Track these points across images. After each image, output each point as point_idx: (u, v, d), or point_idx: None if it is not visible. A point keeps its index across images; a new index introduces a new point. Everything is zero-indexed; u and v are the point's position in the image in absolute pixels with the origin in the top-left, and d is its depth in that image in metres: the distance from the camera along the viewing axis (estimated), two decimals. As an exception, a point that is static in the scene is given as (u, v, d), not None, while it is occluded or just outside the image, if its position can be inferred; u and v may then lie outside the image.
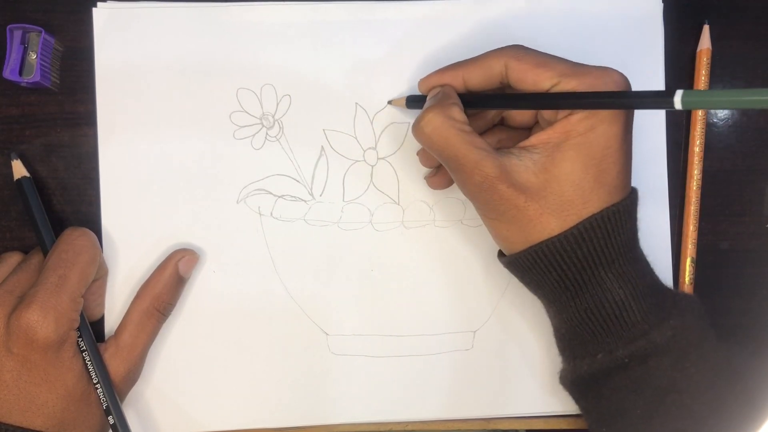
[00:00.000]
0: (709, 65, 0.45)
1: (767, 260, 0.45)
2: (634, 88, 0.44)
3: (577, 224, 0.35)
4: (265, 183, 0.43)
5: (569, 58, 0.45)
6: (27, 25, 0.42)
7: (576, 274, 0.36)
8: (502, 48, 0.37)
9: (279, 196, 0.43)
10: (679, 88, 0.31)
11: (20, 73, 0.42)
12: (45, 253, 0.40)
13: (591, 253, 0.35)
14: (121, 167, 0.43)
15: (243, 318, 0.43)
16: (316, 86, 0.44)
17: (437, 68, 0.39)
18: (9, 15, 0.43)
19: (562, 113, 0.35)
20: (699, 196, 0.45)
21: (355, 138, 0.44)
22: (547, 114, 0.37)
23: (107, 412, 0.39)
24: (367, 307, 0.44)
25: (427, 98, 0.39)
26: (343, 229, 0.44)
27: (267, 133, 0.44)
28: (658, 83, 0.45)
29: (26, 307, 0.36)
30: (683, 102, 0.30)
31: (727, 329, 0.45)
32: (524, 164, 0.35)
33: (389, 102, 0.43)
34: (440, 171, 0.42)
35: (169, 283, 0.41)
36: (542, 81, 0.35)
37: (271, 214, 0.43)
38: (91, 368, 0.39)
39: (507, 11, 0.44)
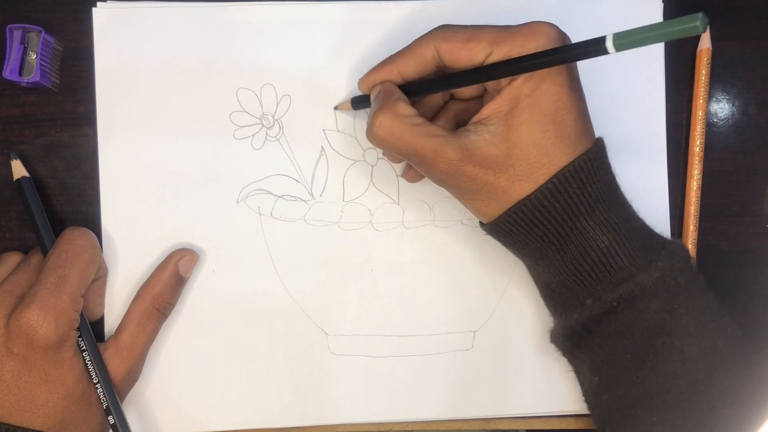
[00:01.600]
0: (709, 65, 0.45)
1: (767, 260, 0.45)
2: (635, 89, 0.45)
3: (549, 179, 0.35)
4: (265, 183, 0.43)
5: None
6: (27, 25, 0.42)
7: (558, 227, 0.36)
8: (429, 32, 0.37)
9: (279, 196, 0.43)
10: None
11: (20, 73, 0.42)
12: (45, 253, 0.40)
13: (569, 204, 0.35)
14: (121, 167, 0.43)
15: (243, 318, 0.43)
16: (316, 86, 0.44)
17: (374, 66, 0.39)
18: (9, 15, 0.43)
19: (505, 80, 0.35)
20: (699, 196, 0.45)
21: (355, 138, 0.44)
22: (491, 83, 0.37)
23: (107, 412, 0.39)
24: (367, 307, 0.44)
25: (371, 99, 0.39)
26: (343, 229, 0.44)
27: (267, 133, 0.44)
28: (659, 83, 0.45)
29: (26, 307, 0.36)
30: (615, 45, 0.30)
31: (727, 329, 0.45)
32: (483, 138, 0.35)
33: (335, 108, 0.43)
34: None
35: (169, 282, 0.41)
36: (475, 55, 0.35)
37: (271, 214, 0.43)
38: (91, 368, 0.39)
39: (507, 11, 0.44)
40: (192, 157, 0.43)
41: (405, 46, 0.38)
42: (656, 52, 0.45)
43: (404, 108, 0.36)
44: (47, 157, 0.43)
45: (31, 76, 0.41)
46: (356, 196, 0.44)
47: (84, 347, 0.39)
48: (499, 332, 0.44)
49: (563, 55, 0.33)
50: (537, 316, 0.44)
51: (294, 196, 0.44)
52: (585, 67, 0.44)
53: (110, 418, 0.39)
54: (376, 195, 0.44)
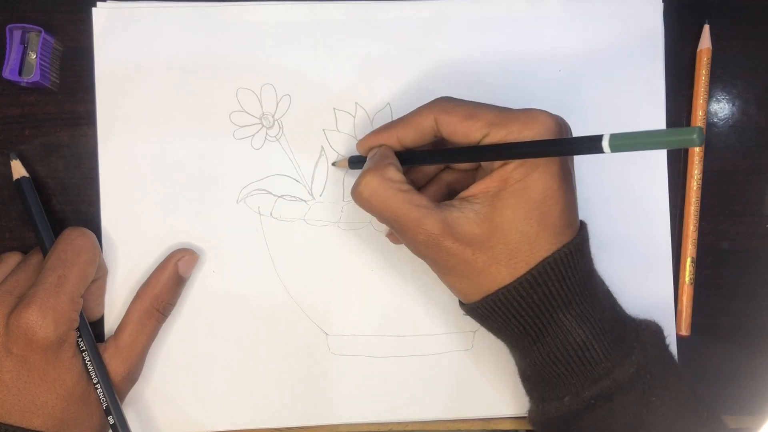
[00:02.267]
0: (709, 65, 0.45)
1: (767, 260, 0.45)
2: (636, 88, 0.45)
3: (529, 271, 0.35)
4: (265, 183, 0.43)
5: (569, 58, 0.45)
6: (27, 25, 0.42)
7: (535, 319, 0.36)
8: (430, 103, 0.37)
9: (279, 196, 0.43)
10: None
11: (20, 73, 0.42)
12: (44, 253, 0.40)
13: (547, 297, 0.35)
14: (120, 167, 0.43)
15: (243, 318, 0.43)
16: (316, 86, 0.44)
17: (374, 129, 0.40)
18: (9, 15, 0.43)
19: (497, 162, 0.35)
20: (699, 196, 0.45)
21: (355, 138, 0.44)
22: (486, 168, 0.37)
23: (107, 412, 0.39)
24: (367, 307, 0.44)
25: (367, 160, 0.39)
26: (343, 229, 0.44)
27: (267, 133, 0.44)
28: (659, 83, 0.45)
29: (25, 308, 0.36)
30: (611, 146, 0.29)
31: (727, 329, 0.45)
32: (466, 216, 0.35)
33: (333, 164, 0.43)
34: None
35: (168, 283, 0.41)
36: (472, 133, 0.35)
37: (271, 214, 0.43)
38: (90, 368, 0.39)
39: (507, 11, 0.44)
40: (192, 157, 0.43)
41: (405, 114, 0.38)
42: (656, 52, 0.45)
43: (393, 173, 0.36)
44: (47, 157, 0.43)
45: (31, 76, 0.41)
46: (356, 196, 0.44)
47: (84, 347, 0.39)
48: (499, 332, 0.44)
49: (557, 148, 0.33)
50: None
51: (294, 196, 0.44)
52: (585, 66, 0.44)
53: (110, 418, 0.39)
54: (376, 195, 0.44)
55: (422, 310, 0.44)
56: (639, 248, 0.44)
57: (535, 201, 0.34)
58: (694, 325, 0.44)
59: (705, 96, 0.44)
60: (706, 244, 0.45)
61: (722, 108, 0.46)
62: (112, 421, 0.39)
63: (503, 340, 0.39)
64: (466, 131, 0.35)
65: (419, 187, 0.41)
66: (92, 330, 0.40)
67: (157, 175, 0.43)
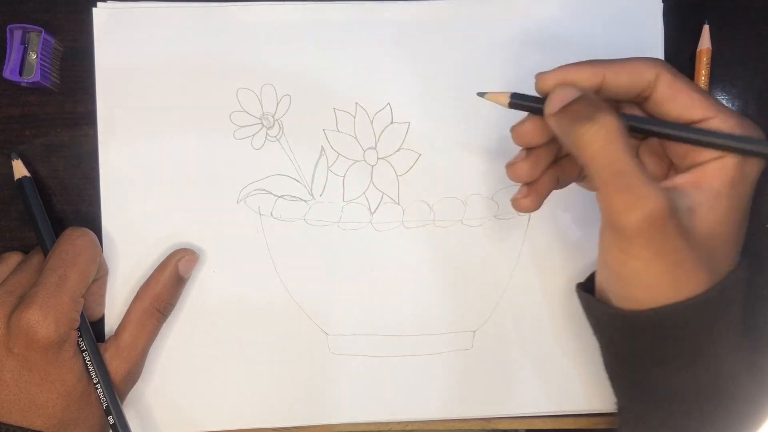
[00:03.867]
0: (709, 65, 0.45)
1: (767, 260, 0.45)
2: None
3: (723, 281, 0.31)
4: (265, 183, 0.43)
5: (569, 58, 0.45)
6: (27, 25, 0.42)
7: (702, 340, 0.32)
8: (650, 58, 0.33)
9: (279, 196, 0.43)
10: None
11: (20, 73, 0.42)
12: (45, 253, 0.40)
13: (717, 320, 0.32)
14: (121, 167, 0.43)
15: (243, 318, 0.43)
16: (316, 86, 0.44)
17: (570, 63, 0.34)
18: (9, 15, 0.43)
19: (707, 155, 0.31)
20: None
21: (355, 138, 0.44)
22: (681, 151, 0.33)
23: (107, 412, 0.39)
24: (367, 307, 0.44)
25: (552, 99, 0.32)
26: (343, 229, 0.44)
27: (267, 133, 0.44)
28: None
29: (26, 307, 0.36)
30: None
31: (727, 329, 0.45)
32: (686, 205, 0.31)
33: (480, 94, 0.36)
34: (540, 156, 0.36)
35: (169, 283, 0.41)
36: (696, 107, 0.31)
37: (271, 214, 0.43)
38: (91, 368, 0.39)
39: (507, 11, 0.44)
40: (192, 157, 0.43)
41: (614, 58, 0.33)
42: (656, 53, 0.45)
43: (625, 131, 0.31)
44: (47, 157, 0.43)
45: (32, 76, 0.41)
46: (356, 196, 0.44)
47: (84, 347, 0.39)
48: (499, 332, 0.44)
49: None
50: (537, 316, 0.44)
51: (294, 196, 0.44)
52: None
53: (110, 418, 0.39)
54: (376, 195, 0.44)
55: (422, 310, 0.44)
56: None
57: (744, 211, 0.32)
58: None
59: (705, 96, 0.44)
60: (706, 244, 0.45)
61: (722, 108, 0.46)
62: (112, 421, 0.39)
63: (634, 354, 0.34)
64: (690, 103, 0.31)
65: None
66: (92, 330, 0.40)
67: (158, 174, 0.43)
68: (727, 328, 0.32)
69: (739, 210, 0.32)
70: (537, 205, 0.36)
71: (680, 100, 0.32)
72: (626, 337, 0.34)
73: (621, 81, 0.33)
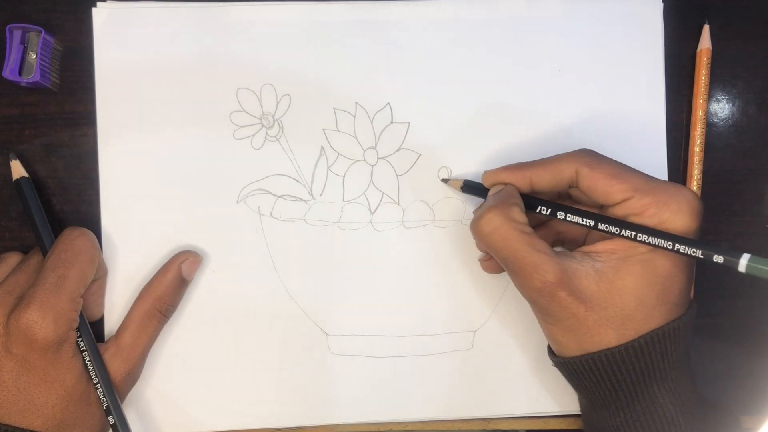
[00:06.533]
0: (709, 65, 0.45)
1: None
2: (636, 88, 0.45)
3: (637, 338, 0.34)
4: (265, 183, 0.43)
5: (569, 58, 0.45)
6: (27, 25, 0.42)
7: (630, 386, 0.36)
8: (573, 152, 0.37)
9: (279, 196, 0.43)
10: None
11: (20, 73, 0.42)
12: (44, 253, 0.40)
13: (648, 367, 0.35)
14: (120, 167, 0.43)
15: (243, 318, 0.43)
16: (316, 86, 0.44)
17: (504, 165, 0.39)
18: (9, 15, 0.43)
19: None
20: (699, 196, 0.45)
21: (355, 138, 0.44)
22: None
23: (107, 412, 0.39)
24: (367, 307, 0.44)
25: (489, 194, 0.39)
26: (343, 229, 0.44)
27: (267, 133, 0.44)
28: (659, 83, 0.45)
29: (25, 308, 0.36)
30: (748, 267, 0.32)
31: (727, 330, 0.45)
32: (585, 270, 0.35)
33: (444, 180, 0.43)
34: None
35: (171, 284, 0.41)
36: (614, 193, 0.35)
37: (271, 214, 0.43)
38: (90, 368, 0.39)
39: (507, 11, 0.44)
40: (192, 157, 0.43)
41: (543, 158, 0.38)
42: (656, 52, 0.45)
43: (518, 214, 0.36)
44: (47, 157, 0.43)
45: (31, 76, 0.41)
46: (356, 196, 0.44)
47: (84, 347, 0.39)
48: (499, 332, 0.44)
49: (695, 250, 0.33)
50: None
51: (294, 196, 0.44)
52: (585, 65, 0.44)
53: (110, 418, 0.39)
54: (376, 195, 0.44)
55: (422, 310, 0.44)
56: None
57: (660, 276, 0.35)
58: (695, 324, 0.44)
59: (705, 96, 0.44)
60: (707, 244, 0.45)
61: (722, 108, 0.46)
62: (112, 421, 0.39)
63: (585, 396, 0.39)
64: (608, 190, 0.35)
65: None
66: (92, 330, 0.40)
67: (157, 174, 0.43)
68: (660, 376, 0.35)
69: (653, 276, 0.35)
70: (500, 270, 0.42)
71: (600, 188, 0.36)
72: (566, 377, 0.39)
73: (546, 181, 0.38)
